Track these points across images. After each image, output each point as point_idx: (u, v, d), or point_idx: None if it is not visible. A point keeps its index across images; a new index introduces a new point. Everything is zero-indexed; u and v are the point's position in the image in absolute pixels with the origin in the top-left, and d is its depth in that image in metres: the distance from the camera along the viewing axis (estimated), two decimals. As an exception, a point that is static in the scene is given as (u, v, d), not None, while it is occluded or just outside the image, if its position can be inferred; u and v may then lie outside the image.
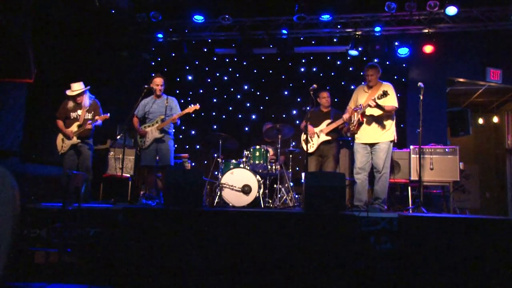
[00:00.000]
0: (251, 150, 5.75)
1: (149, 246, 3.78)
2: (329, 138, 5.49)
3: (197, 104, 5.33)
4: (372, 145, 4.83)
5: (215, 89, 8.59)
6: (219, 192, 5.36)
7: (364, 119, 4.84)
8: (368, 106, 4.70)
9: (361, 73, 7.63)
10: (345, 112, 5.16)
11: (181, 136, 8.35)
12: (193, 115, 7.72)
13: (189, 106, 5.30)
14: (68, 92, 5.30)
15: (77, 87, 5.28)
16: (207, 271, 3.67)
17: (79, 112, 5.29)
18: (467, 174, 8.77)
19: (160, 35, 7.20)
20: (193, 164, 7.57)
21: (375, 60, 7.44)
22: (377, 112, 4.77)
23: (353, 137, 5.04)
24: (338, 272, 3.52)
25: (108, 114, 5.34)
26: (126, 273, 3.75)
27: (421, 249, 3.44)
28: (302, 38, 7.49)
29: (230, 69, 8.59)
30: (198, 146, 8.43)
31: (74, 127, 5.24)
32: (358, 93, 5.09)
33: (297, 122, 7.86)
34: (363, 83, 5.16)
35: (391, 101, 4.76)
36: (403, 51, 6.80)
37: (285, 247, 3.64)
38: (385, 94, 4.60)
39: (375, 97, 4.66)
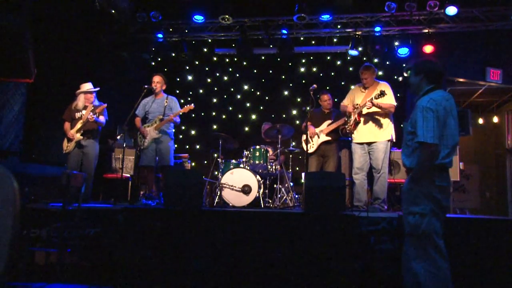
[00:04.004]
0: (251, 150, 5.75)
1: (149, 246, 3.78)
2: (329, 138, 5.49)
3: (192, 104, 5.34)
4: (369, 144, 4.83)
5: (215, 89, 8.60)
6: (219, 192, 5.36)
7: (361, 119, 4.85)
8: (365, 107, 4.71)
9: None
10: (341, 109, 5.16)
11: (181, 136, 8.35)
12: (193, 115, 7.75)
13: (184, 107, 5.32)
14: (80, 90, 5.42)
15: (89, 86, 5.44)
16: (207, 271, 3.67)
17: (84, 112, 5.34)
18: (467, 174, 8.78)
19: (160, 35, 7.20)
20: (193, 164, 7.57)
21: (375, 60, 7.45)
22: (374, 110, 4.76)
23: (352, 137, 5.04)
24: (338, 272, 3.52)
25: (105, 104, 5.40)
26: (126, 273, 3.75)
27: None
28: (302, 38, 7.49)
29: (230, 69, 8.59)
30: (198, 146, 8.44)
31: (78, 125, 5.28)
32: (354, 93, 5.07)
33: (297, 122, 7.86)
34: (357, 84, 5.14)
35: (389, 99, 4.75)
36: (403, 51, 6.80)
37: (285, 247, 3.64)
38: (382, 94, 4.59)
39: (372, 97, 4.66)
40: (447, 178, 2.64)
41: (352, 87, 5.17)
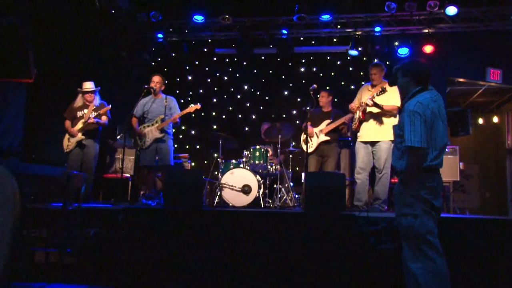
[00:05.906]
0: (251, 150, 5.75)
1: (149, 246, 3.78)
2: (328, 138, 5.48)
3: (198, 104, 5.34)
4: (373, 144, 4.82)
5: (215, 89, 8.60)
6: (219, 192, 5.36)
7: (366, 117, 4.84)
8: (366, 105, 4.71)
9: (361, 73, 7.70)
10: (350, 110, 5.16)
11: (181, 136, 8.35)
12: (193, 115, 7.75)
13: (190, 106, 5.30)
14: (80, 89, 5.38)
15: (88, 86, 5.38)
16: (207, 271, 3.67)
17: (86, 111, 5.32)
18: (467, 174, 8.77)
19: (160, 35, 7.20)
20: (193, 164, 7.57)
21: (375, 60, 7.44)
22: (378, 110, 4.75)
23: (355, 137, 5.03)
24: (338, 272, 3.52)
25: (110, 106, 5.39)
26: (126, 273, 3.75)
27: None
28: (302, 38, 7.48)
29: (230, 69, 8.59)
30: (198, 146, 8.44)
31: (79, 124, 5.27)
32: (362, 92, 5.08)
33: (297, 122, 7.86)
34: (364, 82, 5.15)
35: (393, 100, 4.71)
36: (403, 51, 6.79)
37: (285, 247, 3.64)
38: (383, 90, 4.59)
39: (374, 94, 4.67)
40: (437, 179, 2.66)
41: (363, 82, 5.18)
